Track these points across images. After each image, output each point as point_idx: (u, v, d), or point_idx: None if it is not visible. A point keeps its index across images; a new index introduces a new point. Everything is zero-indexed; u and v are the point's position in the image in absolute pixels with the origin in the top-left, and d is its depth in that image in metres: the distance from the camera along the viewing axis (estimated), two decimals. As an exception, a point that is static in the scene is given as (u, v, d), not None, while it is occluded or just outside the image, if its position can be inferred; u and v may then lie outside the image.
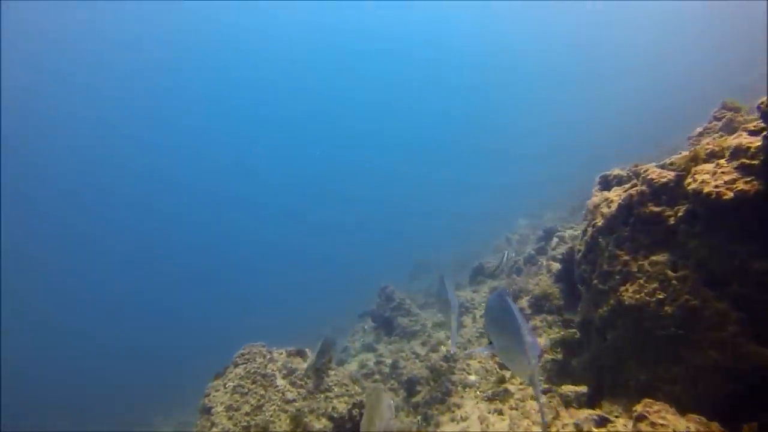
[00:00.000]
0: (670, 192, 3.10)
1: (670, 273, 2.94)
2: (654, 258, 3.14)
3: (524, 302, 6.77)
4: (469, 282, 9.92)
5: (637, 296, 3.19)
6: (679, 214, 2.94)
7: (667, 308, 2.87)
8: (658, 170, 3.28)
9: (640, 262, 3.28)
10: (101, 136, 45.22)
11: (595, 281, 3.88)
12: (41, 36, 34.95)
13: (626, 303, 3.28)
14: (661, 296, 2.95)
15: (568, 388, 3.76)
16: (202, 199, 48.58)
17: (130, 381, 17.59)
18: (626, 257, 3.45)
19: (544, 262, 8.24)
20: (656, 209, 3.18)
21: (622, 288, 3.40)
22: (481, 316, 7.75)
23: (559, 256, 7.88)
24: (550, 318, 6.17)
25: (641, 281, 3.21)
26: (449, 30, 50.95)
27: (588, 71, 43.34)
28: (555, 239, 8.83)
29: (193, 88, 50.12)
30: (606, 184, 4.62)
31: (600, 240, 3.89)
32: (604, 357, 3.63)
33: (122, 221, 44.22)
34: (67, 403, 16.81)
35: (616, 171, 4.68)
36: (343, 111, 55.73)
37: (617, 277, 3.53)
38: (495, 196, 29.32)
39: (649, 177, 3.30)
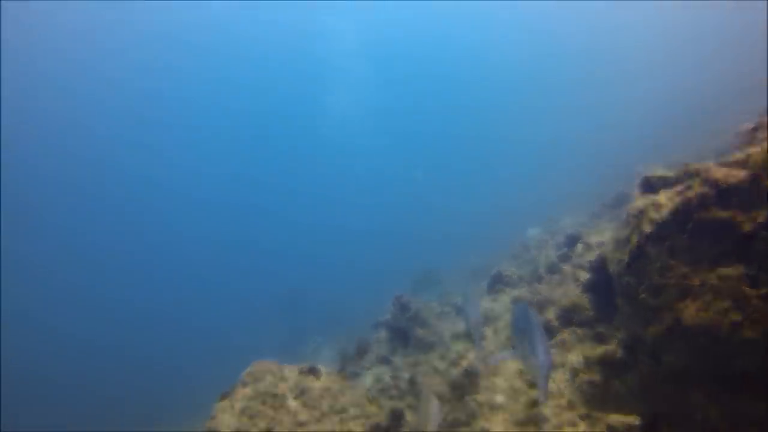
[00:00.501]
0: (743, 194, 2.67)
1: (748, 290, 2.51)
2: (723, 271, 2.71)
3: (551, 314, 6.32)
4: (488, 291, 9.47)
5: (703, 315, 2.75)
6: (759, 219, 2.51)
7: (746, 332, 2.44)
8: (724, 169, 2.85)
9: (703, 276, 2.84)
10: (103, 140, 45.43)
11: (644, 295, 3.43)
12: (42, 36, 34.97)
13: (688, 323, 2.84)
14: (736, 318, 2.52)
15: (615, 419, 3.32)
16: (205, 205, 48.46)
17: (131, 388, 17.34)
18: (684, 269, 3.01)
19: (569, 271, 7.75)
20: (724, 214, 2.75)
21: (681, 304, 2.96)
22: (503, 328, 7.32)
23: (587, 264, 7.41)
24: (580, 331, 5.70)
25: (707, 298, 2.77)
26: (456, 32, 50.31)
27: (591, 76, 42.28)
28: (580, 246, 8.34)
29: (197, 91, 50.05)
30: (649, 186, 4.16)
31: (648, 248, 3.45)
32: (659, 383, 3.19)
33: (125, 226, 44.32)
34: (67, 406, 16.70)
35: (660, 171, 4.21)
36: (339, 115, 55.32)
37: (672, 291, 3.09)
38: (500, 198, 28.43)
39: (712, 177, 2.87)
